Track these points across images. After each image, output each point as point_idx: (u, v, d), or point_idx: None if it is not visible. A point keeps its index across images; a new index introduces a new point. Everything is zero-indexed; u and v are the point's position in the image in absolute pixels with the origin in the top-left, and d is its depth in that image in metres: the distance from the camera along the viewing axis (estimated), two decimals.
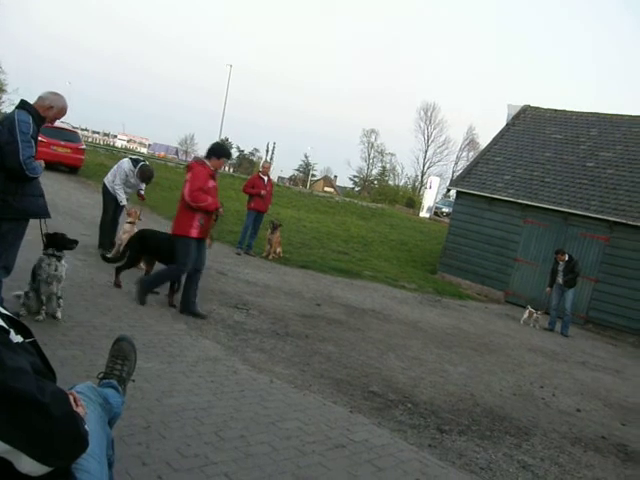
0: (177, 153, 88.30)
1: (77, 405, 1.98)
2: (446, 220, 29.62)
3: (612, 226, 15.03)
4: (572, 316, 13.04)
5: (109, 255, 8.01)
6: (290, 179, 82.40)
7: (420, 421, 4.93)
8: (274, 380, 5.05)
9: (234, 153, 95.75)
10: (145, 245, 7.15)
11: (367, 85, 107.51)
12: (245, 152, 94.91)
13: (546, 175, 17.06)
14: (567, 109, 19.85)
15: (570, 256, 13.03)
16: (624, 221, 14.81)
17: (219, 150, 6.71)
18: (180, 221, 6.52)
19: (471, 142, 70.04)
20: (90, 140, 56.43)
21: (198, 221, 6.48)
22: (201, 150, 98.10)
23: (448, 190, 22.45)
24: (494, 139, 19.41)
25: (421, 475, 3.81)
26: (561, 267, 12.96)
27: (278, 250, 12.77)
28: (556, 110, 19.94)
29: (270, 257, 12.55)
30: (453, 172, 65.84)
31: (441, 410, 5.36)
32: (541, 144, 18.36)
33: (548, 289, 13.38)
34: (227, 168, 74.29)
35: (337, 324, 7.93)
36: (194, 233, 6.48)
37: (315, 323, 7.68)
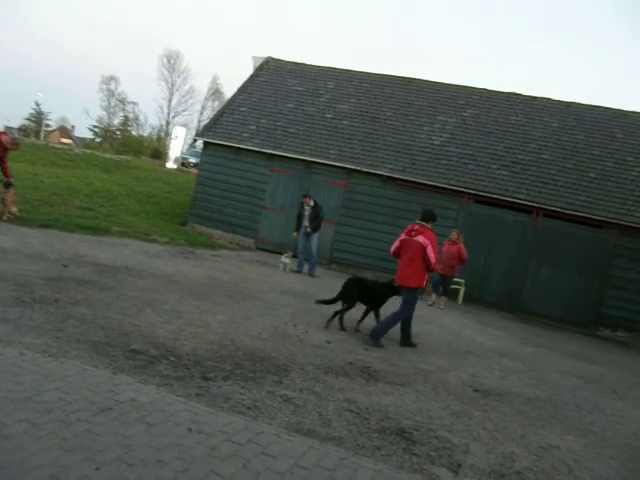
0: None
1: None
2: (194, 171, 29.49)
3: (349, 173, 16.41)
4: (318, 257, 14.04)
5: (325, 299, 8.46)
6: (20, 129, 74.13)
7: (185, 372, 4.96)
8: (25, 352, 4.63)
9: None
10: (365, 293, 8.26)
11: (104, 29, 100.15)
12: None
13: (289, 125, 17.85)
14: (307, 62, 20.86)
15: (315, 202, 13.90)
16: (359, 168, 16.28)
17: (435, 216, 8.23)
18: (417, 276, 7.88)
19: (216, 92, 69.80)
20: None
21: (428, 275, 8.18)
22: None
23: (194, 140, 22.24)
24: (239, 90, 19.66)
25: (192, 424, 3.87)
26: (307, 212, 13.70)
27: (14, 210, 11.55)
28: (297, 63, 20.83)
29: (5, 218, 11.31)
30: (199, 122, 65.26)
31: (204, 359, 5.44)
32: (284, 95, 19.10)
33: (295, 234, 14.14)
34: None
35: (89, 284, 7.52)
36: (424, 284, 8.14)
37: (64, 286, 7.18)
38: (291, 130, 17.71)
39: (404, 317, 7.94)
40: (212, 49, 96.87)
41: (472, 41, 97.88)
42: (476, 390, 6.44)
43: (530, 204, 15.15)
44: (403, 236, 8.09)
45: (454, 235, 13.19)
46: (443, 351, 8.27)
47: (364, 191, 16.41)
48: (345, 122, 17.88)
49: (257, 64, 20.78)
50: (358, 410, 4.90)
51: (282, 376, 5.41)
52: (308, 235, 13.72)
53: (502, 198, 15.33)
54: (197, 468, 3.32)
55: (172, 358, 5.26)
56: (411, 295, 7.97)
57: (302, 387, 5.21)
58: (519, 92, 18.96)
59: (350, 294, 8.20)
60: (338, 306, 8.27)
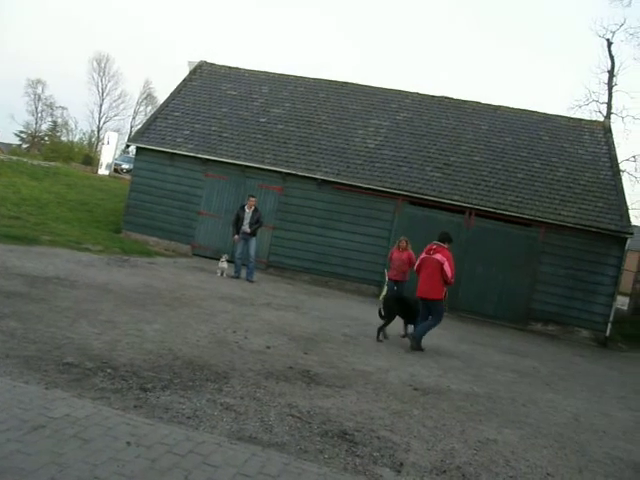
0: None
1: None
2: (127, 177, 28.85)
3: (285, 177, 16.41)
4: (255, 262, 13.97)
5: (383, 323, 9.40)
6: None
7: (122, 384, 4.83)
8: None
9: None
10: (402, 309, 9.46)
11: (29, 31, 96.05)
12: None
13: (224, 130, 17.71)
14: (241, 67, 20.75)
15: (255, 207, 13.84)
16: (294, 172, 16.30)
17: (451, 238, 9.54)
18: (438, 290, 9.06)
19: (149, 96, 68.56)
20: None
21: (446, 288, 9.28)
22: None
23: (127, 146, 21.75)
24: (172, 94, 19.36)
25: (131, 437, 3.77)
26: (247, 216, 13.61)
27: None
28: (230, 67, 20.70)
29: None
30: (131, 127, 64.05)
31: (142, 369, 5.33)
32: (218, 100, 18.94)
33: (236, 237, 13.85)
34: None
35: (18, 297, 7.23)
36: (444, 296, 9.24)
37: None
38: (226, 135, 17.57)
39: (437, 322, 9.22)
40: (144, 53, 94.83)
41: (401, 44, 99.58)
42: (416, 389, 6.55)
43: (463, 205, 15.54)
44: (423, 255, 9.34)
45: (403, 243, 13.42)
46: (382, 352, 8.37)
47: (300, 195, 16.44)
48: (280, 126, 17.88)
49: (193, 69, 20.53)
50: (300, 414, 4.90)
51: (222, 383, 5.35)
52: (246, 239, 13.65)
53: (436, 199, 15.67)
54: None
55: (108, 370, 5.12)
56: (438, 306, 9.17)
57: (243, 394, 5.17)
58: (450, 96, 19.47)
59: (391, 310, 9.37)
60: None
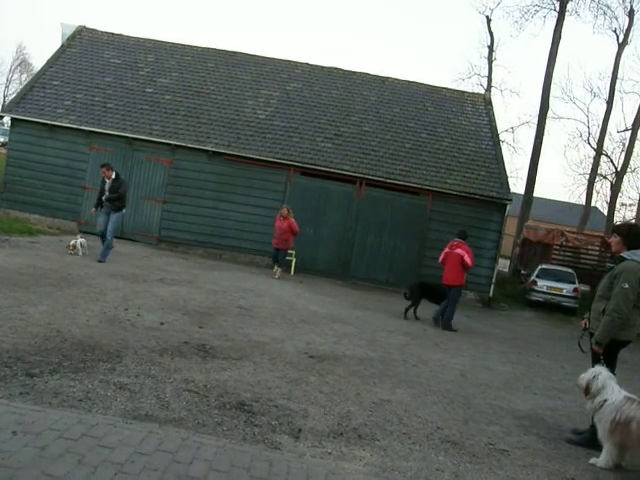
0: None
1: None
2: (3, 151, 27.00)
3: (174, 149, 16.00)
4: (145, 237, 13.52)
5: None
6: None
7: (5, 371, 4.57)
8: None
9: None
10: (426, 293, 11.56)
11: None
12: None
13: (108, 100, 16.94)
14: (124, 33, 19.82)
15: (117, 175, 12.04)
16: (183, 144, 15.93)
17: (467, 235, 11.57)
18: (460, 277, 11.16)
19: (23, 63, 64.02)
20: None
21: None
22: None
23: (1, 117, 20.21)
24: (49, 61, 18.21)
25: (17, 426, 3.57)
26: (107, 186, 11.89)
27: None
28: (113, 34, 19.72)
29: None
30: (5, 96, 59.75)
31: (27, 354, 5.07)
32: (100, 68, 18.04)
33: (93, 210, 12.53)
34: None
35: None
36: (464, 283, 11.59)
37: None
38: (110, 105, 16.81)
39: (455, 306, 11.05)
40: (15, 13, 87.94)
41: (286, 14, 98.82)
42: (312, 356, 6.69)
43: (354, 174, 15.85)
44: (447, 250, 11.31)
45: (284, 211, 13.87)
46: (278, 322, 8.46)
47: (190, 167, 16.11)
48: (168, 97, 17.34)
49: (67, 32, 19.33)
50: (197, 389, 4.88)
51: (115, 363, 5.21)
52: (107, 212, 11.88)
53: (327, 170, 15.86)
54: (25, 472, 3.09)
55: None
56: (457, 291, 11.20)
57: (137, 372, 5.05)
58: (339, 67, 19.65)
59: (415, 294, 11.48)
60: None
